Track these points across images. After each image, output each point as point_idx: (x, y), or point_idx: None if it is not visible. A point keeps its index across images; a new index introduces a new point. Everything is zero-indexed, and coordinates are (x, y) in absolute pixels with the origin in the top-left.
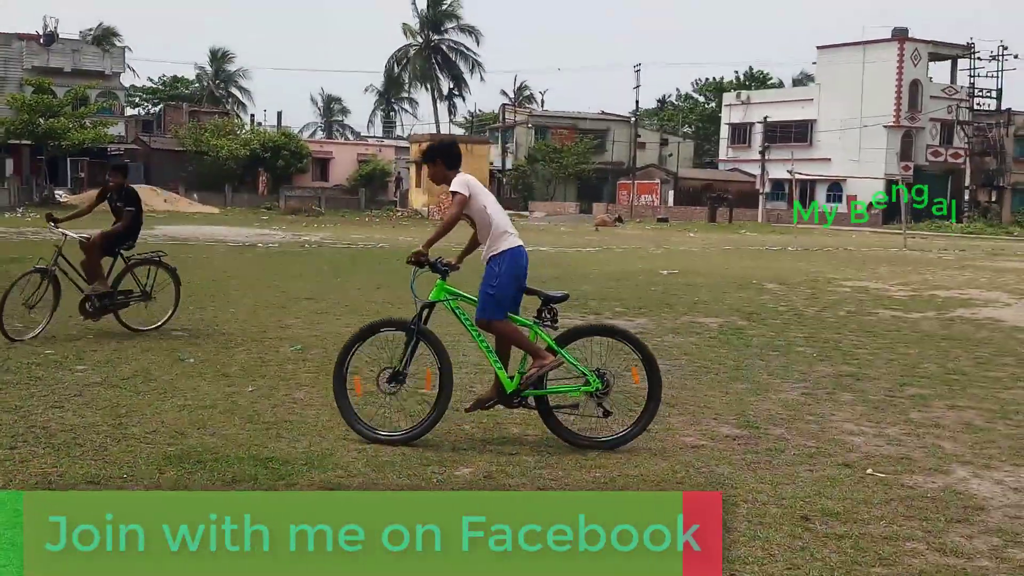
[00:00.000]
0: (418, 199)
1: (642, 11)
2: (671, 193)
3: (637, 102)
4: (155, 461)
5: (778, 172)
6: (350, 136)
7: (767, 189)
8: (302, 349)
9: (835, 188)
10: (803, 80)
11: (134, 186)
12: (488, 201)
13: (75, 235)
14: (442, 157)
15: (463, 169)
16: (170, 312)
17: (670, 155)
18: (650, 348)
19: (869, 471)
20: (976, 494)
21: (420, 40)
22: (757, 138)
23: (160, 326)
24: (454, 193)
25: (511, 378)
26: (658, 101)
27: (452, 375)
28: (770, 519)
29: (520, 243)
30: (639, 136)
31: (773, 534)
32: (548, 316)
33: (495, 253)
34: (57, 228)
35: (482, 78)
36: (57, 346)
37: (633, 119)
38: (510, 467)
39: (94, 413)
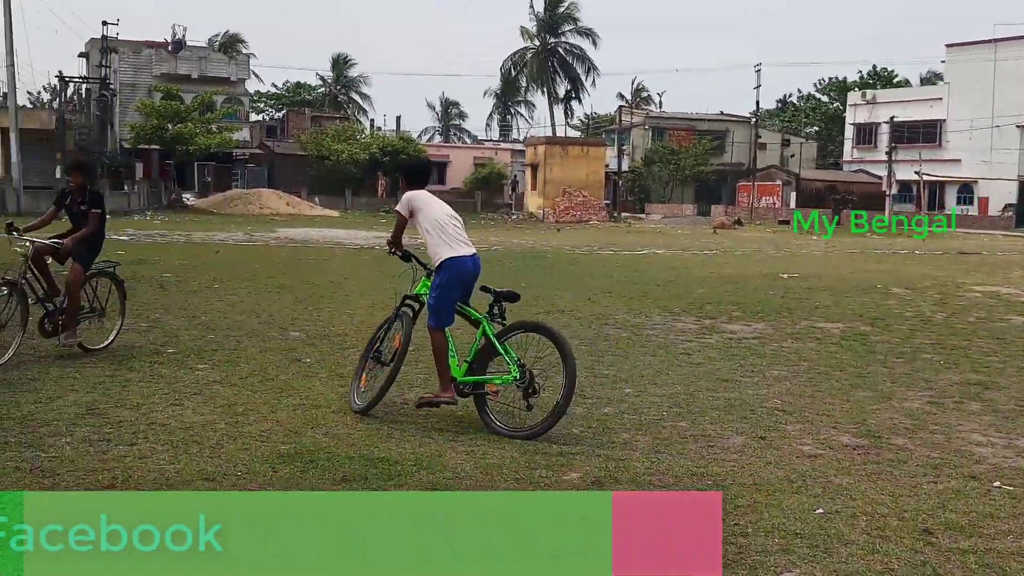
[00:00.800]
0: (534, 202)
1: (763, 10)
2: (793, 195)
3: (758, 102)
4: (269, 459)
5: (905, 173)
6: (467, 140)
7: (894, 191)
8: (414, 350)
9: (965, 190)
10: (931, 79)
11: (261, 189)
12: (427, 218)
13: (45, 242)
14: (404, 176)
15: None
16: (117, 327)
17: (792, 156)
18: (569, 346)
19: (997, 484)
20: None
21: (537, 43)
22: (883, 138)
23: (108, 344)
24: (396, 211)
25: (459, 366)
26: (779, 101)
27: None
28: (890, 532)
29: (462, 253)
30: (760, 137)
31: (893, 548)
32: (497, 312)
33: (435, 266)
34: (22, 238)
35: (595, 82)
36: (179, 344)
37: (753, 119)
38: (619, 472)
39: (212, 411)
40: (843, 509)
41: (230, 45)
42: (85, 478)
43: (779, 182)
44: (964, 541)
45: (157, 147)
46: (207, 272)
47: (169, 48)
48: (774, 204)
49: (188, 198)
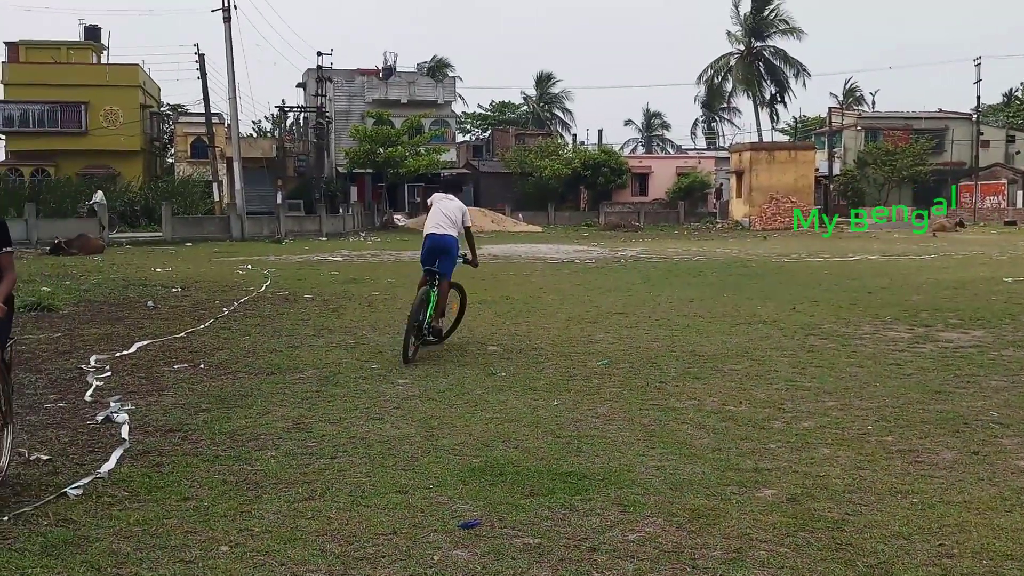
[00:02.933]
0: (739, 210)
1: (982, 1)
2: (1020, 194)
3: (978, 98)
4: (461, 472)
5: None
6: (670, 150)
7: None
8: (609, 364)
9: None
10: None
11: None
12: (430, 212)
13: None
14: (443, 186)
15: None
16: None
17: (1018, 153)
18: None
19: None
20: None
21: (742, 47)
22: None
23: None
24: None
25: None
26: (1004, 95)
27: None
28: None
29: (428, 232)
30: (982, 134)
31: None
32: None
33: None
34: None
35: (804, 84)
36: (383, 360)
37: (975, 116)
38: (816, 490)
39: (409, 425)
40: None
41: (437, 69)
42: (286, 491)
43: (1004, 180)
44: None
45: (370, 171)
46: (414, 290)
47: (380, 75)
48: (999, 204)
49: (399, 219)
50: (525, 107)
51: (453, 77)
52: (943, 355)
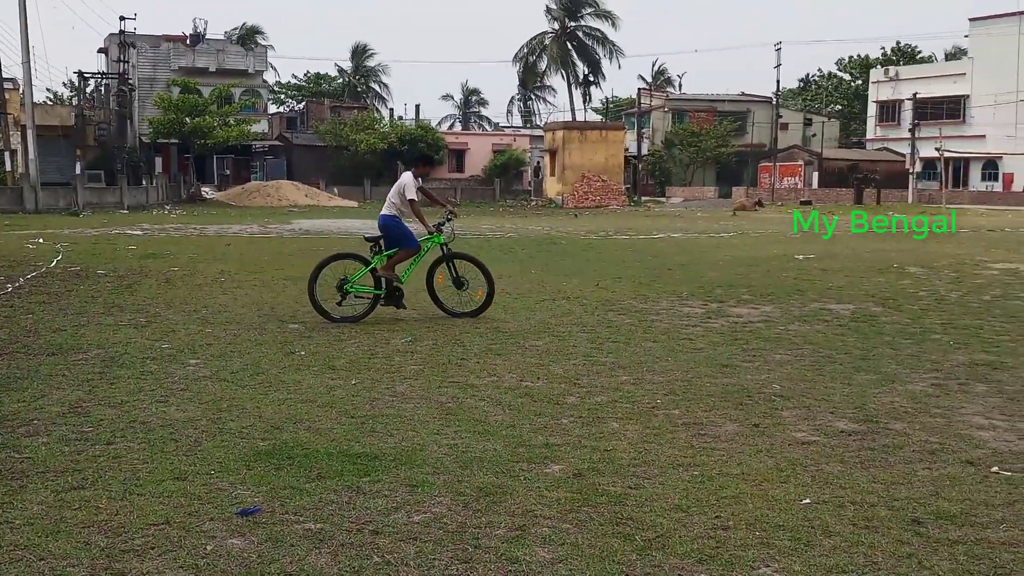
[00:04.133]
0: (553, 188)
1: None
2: (815, 175)
3: (778, 82)
4: (246, 457)
5: (929, 151)
6: (487, 127)
7: (918, 168)
8: (412, 340)
9: (990, 166)
10: (956, 54)
11: (280, 180)
12: None
13: None
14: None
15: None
16: None
17: (814, 135)
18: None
19: (994, 469)
20: None
21: (556, 27)
22: (907, 116)
23: None
24: None
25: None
26: (801, 80)
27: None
28: (878, 522)
29: (382, 213)
30: (781, 117)
31: (879, 539)
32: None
33: None
34: None
35: (619, 64)
36: (175, 339)
37: (775, 99)
38: (603, 464)
39: (196, 407)
40: (831, 499)
41: (248, 37)
42: (54, 480)
43: (801, 162)
44: (955, 531)
45: (176, 141)
46: (216, 265)
47: (187, 42)
48: (796, 184)
49: (207, 191)
50: (341, 79)
51: (265, 46)
52: (733, 330)
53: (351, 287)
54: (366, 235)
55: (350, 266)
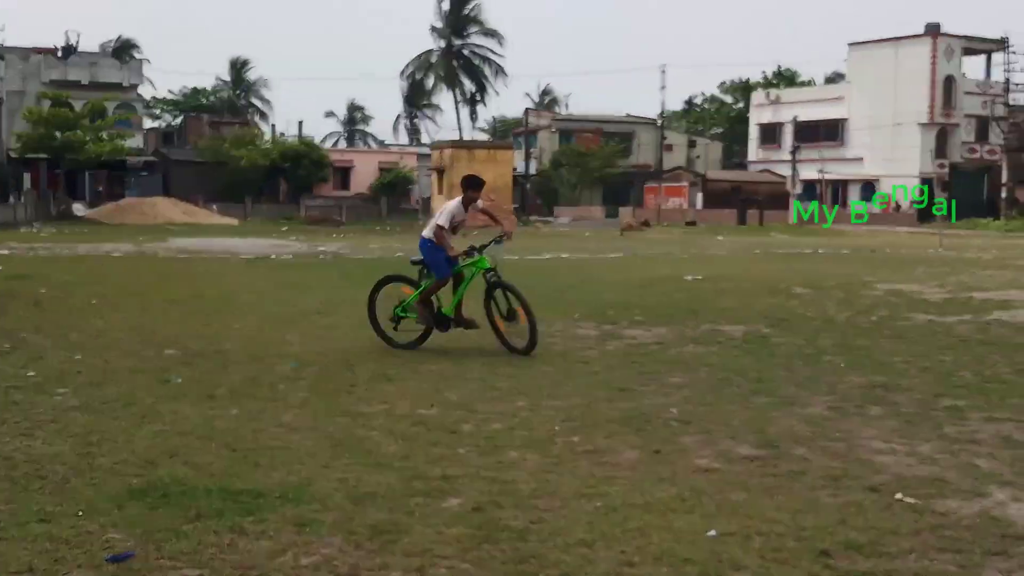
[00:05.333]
0: (440, 206)
1: (668, 12)
2: (699, 196)
3: (663, 104)
4: (118, 496)
5: (809, 172)
6: (373, 144)
7: (798, 190)
8: (299, 367)
9: (868, 188)
10: (834, 78)
11: (156, 198)
12: None
13: None
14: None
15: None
16: None
17: (698, 157)
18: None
19: (898, 496)
20: (1016, 521)
21: (443, 44)
22: (787, 138)
23: None
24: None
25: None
26: (685, 103)
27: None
28: (787, 554)
29: (421, 235)
30: (666, 138)
31: (789, 572)
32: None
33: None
34: None
35: (504, 83)
36: (43, 367)
37: (660, 121)
38: (503, 496)
39: (64, 441)
40: (738, 530)
41: (124, 50)
42: None
43: (686, 183)
44: (864, 562)
45: (46, 156)
46: (90, 287)
47: (59, 54)
48: (681, 205)
49: (79, 208)
50: (220, 94)
51: (141, 59)
52: (628, 352)
53: (402, 311)
54: (412, 258)
55: (404, 289)
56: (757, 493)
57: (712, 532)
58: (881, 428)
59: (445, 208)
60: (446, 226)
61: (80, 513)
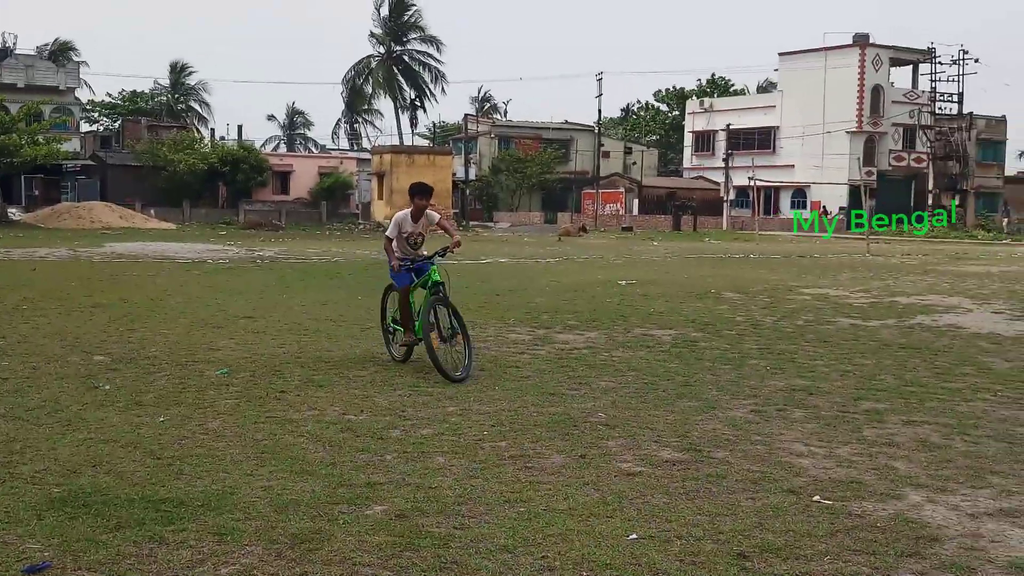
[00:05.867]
0: (381, 211)
1: (604, 21)
2: (636, 202)
3: (600, 111)
4: (37, 505)
5: (742, 179)
6: (314, 149)
7: (731, 196)
8: (228, 373)
9: (799, 194)
10: (767, 87)
11: (93, 202)
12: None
13: None
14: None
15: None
16: None
17: (634, 164)
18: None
19: (816, 498)
20: (930, 523)
21: (383, 50)
22: (721, 145)
23: None
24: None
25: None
26: (622, 110)
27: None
28: (704, 557)
29: None
30: (603, 145)
31: (706, 575)
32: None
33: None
34: None
35: (444, 89)
36: None
37: (597, 128)
38: (427, 503)
39: None
40: (658, 533)
41: (61, 53)
42: None
43: (622, 189)
44: (780, 564)
45: None
46: (19, 292)
47: None
48: (618, 211)
49: (14, 212)
50: (159, 98)
51: (78, 62)
52: (559, 357)
53: (394, 324)
54: None
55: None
56: (678, 497)
57: (633, 536)
58: (801, 431)
59: (393, 219)
60: (392, 237)
61: None
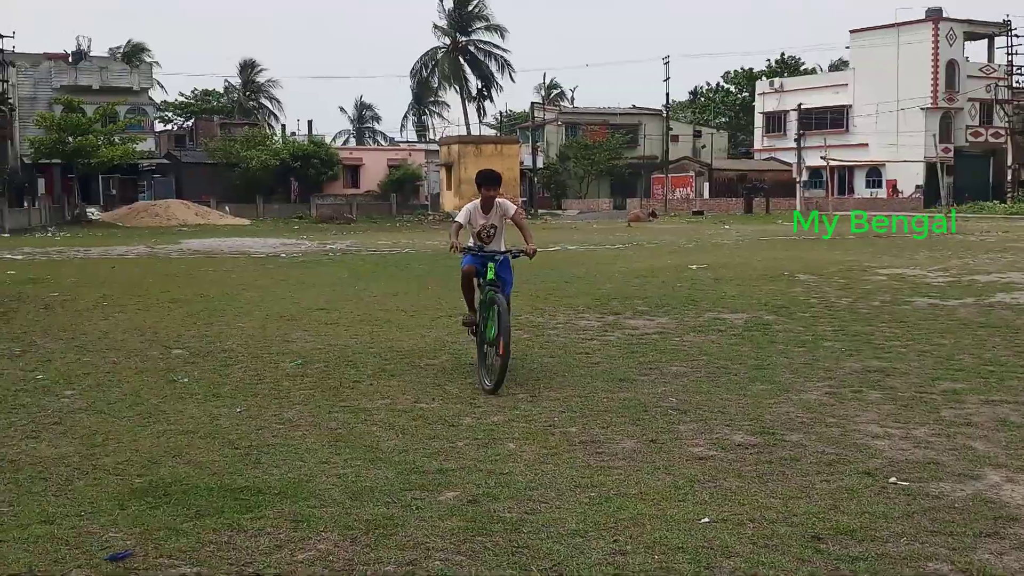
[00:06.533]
0: (450, 202)
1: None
2: (706, 185)
3: (668, 95)
4: (120, 496)
5: (814, 159)
6: (382, 142)
7: (804, 177)
8: (303, 364)
9: (874, 173)
10: (839, 66)
11: (169, 200)
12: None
13: None
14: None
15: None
16: None
17: (704, 147)
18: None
19: (892, 480)
20: (1009, 503)
21: (448, 41)
22: (792, 126)
23: None
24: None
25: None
26: (690, 93)
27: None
28: (778, 540)
29: None
30: (671, 129)
31: (779, 558)
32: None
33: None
34: None
35: (512, 78)
36: (50, 369)
37: (664, 112)
38: (499, 488)
39: (69, 443)
40: (730, 516)
41: (133, 55)
42: None
43: (692, 173)
44: (855, 547)
45: (59, 161)
46: (99, 289)
47: (69, 60)
48: (688, 195)
49: (93, 212)
50: (230, 96)
51: (150, 63)
52: (629, 343)
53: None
54: None
55: None
56: (751, 480)
57: (705, 519)
58: (877, 413)
59: (464, 208)
60: (461, 223)
61: (81, 514)
